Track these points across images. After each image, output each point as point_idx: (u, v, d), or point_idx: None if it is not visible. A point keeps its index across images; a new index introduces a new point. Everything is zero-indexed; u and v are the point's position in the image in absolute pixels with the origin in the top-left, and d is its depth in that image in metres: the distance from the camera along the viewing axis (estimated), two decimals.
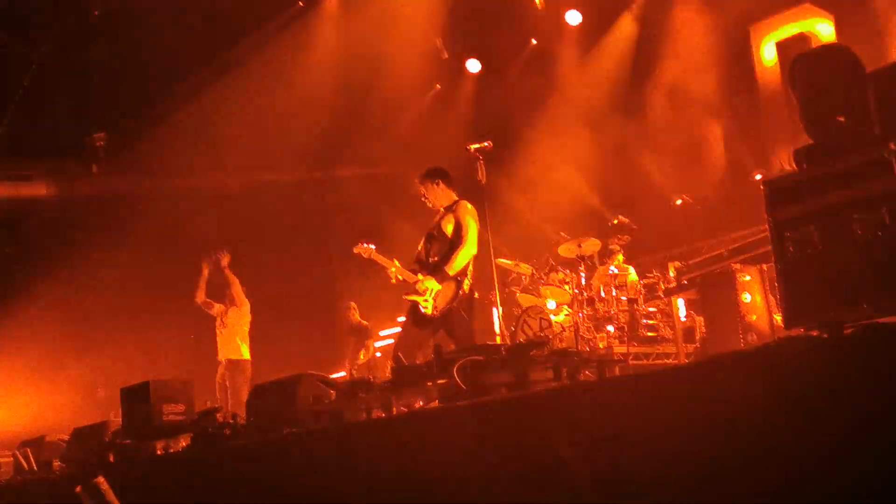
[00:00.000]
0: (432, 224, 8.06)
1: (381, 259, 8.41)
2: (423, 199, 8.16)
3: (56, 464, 7.93)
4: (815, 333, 3.72)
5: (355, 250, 8.77)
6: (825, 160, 4.02)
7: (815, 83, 4.37)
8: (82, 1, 13.36)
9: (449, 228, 7.84)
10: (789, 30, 11.88)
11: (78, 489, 4.80)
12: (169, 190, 15.14)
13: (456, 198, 8.07)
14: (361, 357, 13.47)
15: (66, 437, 8.24)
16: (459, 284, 7.66)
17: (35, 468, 8.11)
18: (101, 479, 4.88)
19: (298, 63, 14.27)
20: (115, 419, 8.15)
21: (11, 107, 14.80)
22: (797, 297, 3.97)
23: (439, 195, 8.07)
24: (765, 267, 8.28)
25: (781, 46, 11.92)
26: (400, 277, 8.00)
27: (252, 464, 5.63)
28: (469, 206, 7.95)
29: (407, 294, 7.85)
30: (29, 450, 8.29)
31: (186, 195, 15.01)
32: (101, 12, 13.48)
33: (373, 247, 8.58)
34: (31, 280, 14.09)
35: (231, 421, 6.47)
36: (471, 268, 7.79)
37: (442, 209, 8.05)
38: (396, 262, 8.10)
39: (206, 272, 11.87)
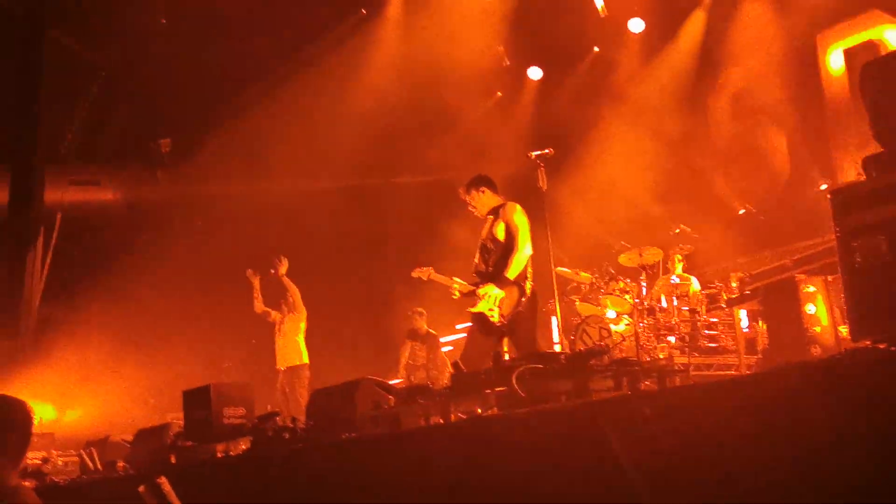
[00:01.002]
0: (483, 232, 7.91)
1: (440, 278, 8.43)
2: (470, 208, 8.07)
3: (120, 464, 8.06)
4: (882, 346, 3.64)
5: (414, 274, 8.80)
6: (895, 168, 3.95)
7: (884, 90, 4.29)
8: (150, 10, 13.64)
9: (500, 234, 7.70)
10: (858, 37, 11.66)
11: (142, 489, 4.87)
12: (231, 195, 15.35)
13: (502, 201, 7.94)
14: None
15: (130, 438, 8.37)
16: (522, 288, 7.50)
17: (99, 468, 8.25)
18: (163, 480, 4.94)
19: (360, 70, 14.39)
20: (177, 421, 8.27)
21: (81, 114, 15.16)
22: (864, 308, 3.89)
23: (485, 202, 7.95)
24: (829, 278, 8.12)
25: (849, 54, 11.71)
26: (462, 292, 7.93)
27: (311, 468, 5.67)
28: (517, 206, 7.77)
29: (472, 307, 7.67)
30: (94, 449, 8.44)
31: (248, 201, 15.20)
32: (168, 21, 13.74)
33: (430, 269, 8.60)
34: (97, 282, 14.37)
35: (290, 425, 6.51)
36: (530, 269, 7.67)
37: (490, 216, 7.91)
38: (456, 279, 8.05)
39: (256, 283, 12.09)
